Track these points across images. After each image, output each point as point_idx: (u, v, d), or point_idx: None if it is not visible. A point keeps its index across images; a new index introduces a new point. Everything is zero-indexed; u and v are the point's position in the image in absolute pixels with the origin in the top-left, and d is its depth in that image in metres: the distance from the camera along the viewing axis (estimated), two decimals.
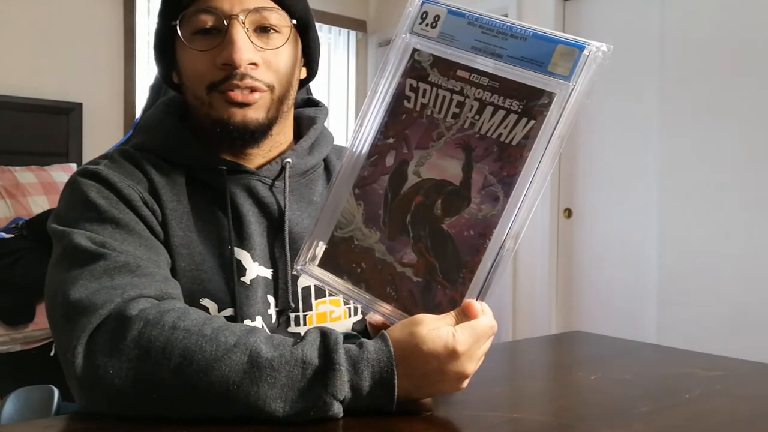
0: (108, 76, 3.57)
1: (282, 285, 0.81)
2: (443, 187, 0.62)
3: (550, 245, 3.44)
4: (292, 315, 0.81)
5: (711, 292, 2.78)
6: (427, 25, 0.64)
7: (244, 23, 0.76)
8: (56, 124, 3.35)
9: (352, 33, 4.57)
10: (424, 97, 0.64)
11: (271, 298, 0.80)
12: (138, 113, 3.46)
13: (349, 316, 0.86)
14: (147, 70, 3.66)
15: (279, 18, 0.79)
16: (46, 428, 0.61)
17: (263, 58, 0.78)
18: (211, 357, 0.58)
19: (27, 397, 0.82)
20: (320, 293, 0.83)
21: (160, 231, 0.76)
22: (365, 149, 0.66)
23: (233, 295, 0.77)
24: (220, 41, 0.77)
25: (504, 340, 3.53)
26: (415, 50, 0.65)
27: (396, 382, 0.59)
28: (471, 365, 0.60)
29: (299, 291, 0.82)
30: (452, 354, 0.59)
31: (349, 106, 4.60)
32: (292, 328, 0.81)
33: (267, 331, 0.79)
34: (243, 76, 0.76)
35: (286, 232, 0.82)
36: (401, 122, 0.65)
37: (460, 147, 0.62)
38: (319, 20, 4.47)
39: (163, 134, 0.83)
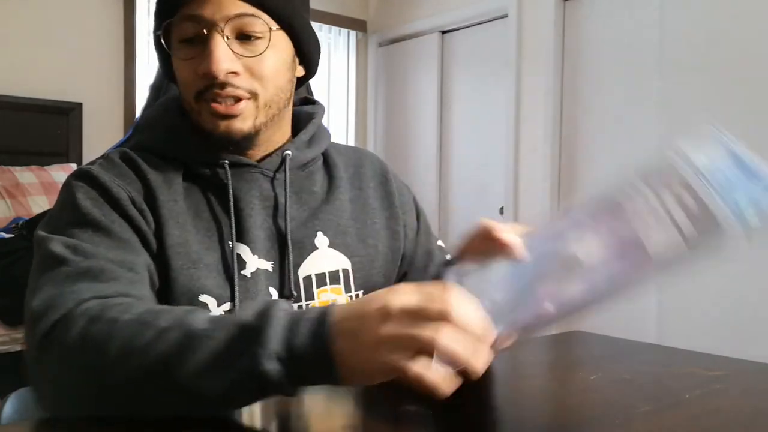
0: (108, 76, 3.57)
1: (284, 276, 0.82)
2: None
3: None
4: (295, 305, 0.82)
5: (711, 292, 2.78)
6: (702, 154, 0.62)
7: (223, 31, 0.76)
8: (56, 124, 3.35)
9: (352, 33, 4.57)
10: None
11: (273, 290, 0.81)
12: (138, 113, 3.46)
13: None
14: (147, 70, 3.66)
15: (261, 24, 0.79)
16: (46, 428, 0.61)
17: (245, 66, 0.78)
18: (150, 339, 0.57)
19: (27, 397, 0.82)
20: (321, 282, 0.84)
21: (148, 230, 0.75)
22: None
23: (233, 289, 0.77)
24: (203, 50, 0.77)
25: None
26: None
27: (330, 334, 0.52)
28: (392, 324, 0.50)
29: (301, 280, 0.83)
30: (382, 308, 0.51)
31: (349, 106, 4.60)
32: None
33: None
34: (223, 85, 0.77)
35: (287, 223, 0.82)
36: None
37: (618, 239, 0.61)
38: (319, 20, 4.48)
39: (163, 131, 0.84)
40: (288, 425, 0.63)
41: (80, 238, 0.70)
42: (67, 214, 0.74)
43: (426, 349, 0.49)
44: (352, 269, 0.87)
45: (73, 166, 3.25)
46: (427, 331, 0.49)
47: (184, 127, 0.84)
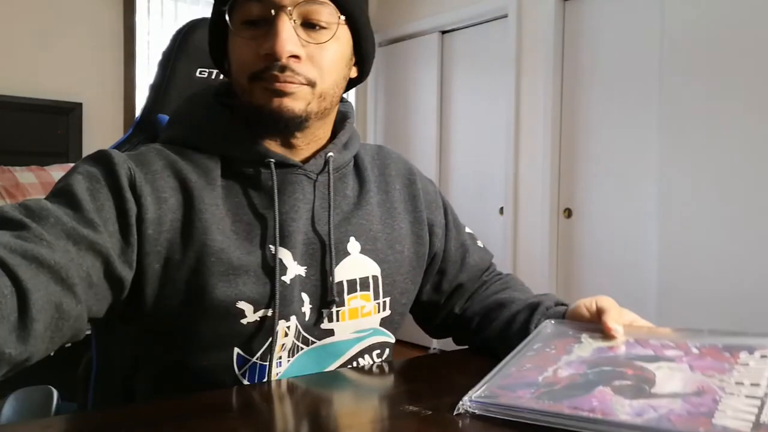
0: (108, 76, 3.57)
1: (317, 281, 0.80)
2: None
3: (550, 245, 3.44)
4: (325, 311, 0.81)
5: (711, 292, 2.78)
6: None
7: (291, 15, 0.75)
8: (56, 124, 3.35)
9: None
10: None
11: (305, 296, 0.79)
12: (138, 113, 3.46)
13: (378, 311, 0.86)
14: (147, 70, 3.66)
15: (328, 13, 0.78)
16: (45, 428, 0.61)
17: (307, 53, 0.77)
18: None
19: (26, 398, 0.82)
20: (352, 288, 0.83)
21: (133, 223, 0.70)
22: None
23: (273, 295, 0.75)
24: (267, 31, 0.76)
25: None
26: None
27: None
28: None
29: (335, 285, 0.81)
30: None
31: None
32: (326, 325, 0.81)
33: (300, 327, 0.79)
34: (283, 68, 0.75)
35: (331, 228, 0.81)
36: None
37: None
38: None
39: (200, 125, 0.82)
40: (289, 425, 0.63)
41: (48, 204, 0.66)
42: (60, 183, 0.71)
43: None
44: (381, 275, 0.85)
45: None
46: None
47: (222, 121, 0.82)
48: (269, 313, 0.75)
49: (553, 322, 0.78)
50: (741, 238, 2.70)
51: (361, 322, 0.84)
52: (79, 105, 3.43)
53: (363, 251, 0.84)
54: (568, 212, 3.43)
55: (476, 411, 0.60)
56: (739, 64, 2.70)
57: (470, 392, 0.62)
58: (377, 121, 4.62)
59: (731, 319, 2.70)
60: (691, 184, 2.87)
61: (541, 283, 3.44)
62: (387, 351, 0.89)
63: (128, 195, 0.71)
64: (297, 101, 0.77)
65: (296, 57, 0.76)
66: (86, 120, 3.45)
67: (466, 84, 4.05)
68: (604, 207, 3.26)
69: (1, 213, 0.63)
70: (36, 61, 3.34)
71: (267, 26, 0.76)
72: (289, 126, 0.79)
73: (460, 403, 0.61)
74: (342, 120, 0.90)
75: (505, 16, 3.71)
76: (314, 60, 0.77)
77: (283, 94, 0.76)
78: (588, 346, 0.70)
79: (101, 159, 0.74)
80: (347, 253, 0.83)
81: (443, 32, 4.17)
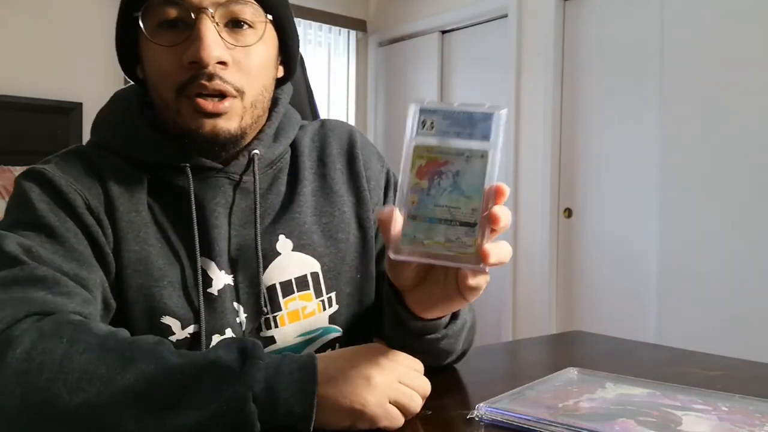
0: (108, 76, 3.57)
1: (248, 289, 0.75)
2: None
3: (550, 245, 3.44)
4: (262, 318, 0.75)
5: (711, 292, 2.78)
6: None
7: (213, 17, 0.69)
8: (56, 124, 3.35)
9: (352, 33, 4.57)
10: None
11: (237, 305, 0.74)
12: None
13: (324, 309, 0.78)
14: None
15: (253, 12, 0.72)
16: None
17: (233, 57, 0.70)
18: (116, 367, 0.53)
19: None
20: (288, 291, 0.76)
21: (105, 242, 0.69)
22: None
23: (198, 309, 0.70)
24: (187, 36, 0.69)
25: (504, 340, 3.52)
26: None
27: (317, 378, 0.56)
28: (382, 377, 0.59)
29: (264, 292, 0.75)
30: (368, 379, 0.58)
31: (349, 106, 4.60)
32: (265, 333, 0.76)
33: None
34: (211, 77, 0.69)
35: (257, 231, 0.74)
36: None
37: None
38: (319, 20, 4.49)
39: (121, 131, 0.76)
40: None
41: (34, 241, 0.64)
42: (18, 214, 0.67)
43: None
44: (322, 270, 0.78)
45: None
46: (404, 401, 0.59)
47: (145, 127, 0.75)
48: (195, 329, 0.71)
49: (577, 370, 0.77)
50: (742, 238, 2.70)
51: (306, 323, 0.77)
52: (79, 105, 3.43)
53: (296, 248, 0.77)
54: (568, 212, 3.43)
55: (492, 418, 0.59)
56: (739, 63, 2.70)
57: (486, 401, 0.61)
58: (377, 121, 4.62)
59: (732, 319, 2.70)
60: (691, 184, 2.87)
61: (541, 283, 3.44)
62: (337, 346, 0.80)
63: (90, 221, 0.68)
64: (230, 120, 0.71)
65: (223, 63, 0.70)
66: (86, 120, 3.45)
67: (466, 84, 4.06)
68: (604, 207, 3.26)
69: (20, 266, 0.62)
70: (36, 61, 3.34)
71: (187, 31, 0.69)
72: (226, 146, 0.73)
73: (475, 409, 0.60)
74: (272, 107, 0.82)
75: (505, 16, 3.71)
76: (241, 66, 0.71)
77: (215, 115, 0.70)
78: (612, 391, 0.68)
79: (46, 184, 0.69)
80: (277, 253, 0.76)
81: (443, 32, 4.17)
